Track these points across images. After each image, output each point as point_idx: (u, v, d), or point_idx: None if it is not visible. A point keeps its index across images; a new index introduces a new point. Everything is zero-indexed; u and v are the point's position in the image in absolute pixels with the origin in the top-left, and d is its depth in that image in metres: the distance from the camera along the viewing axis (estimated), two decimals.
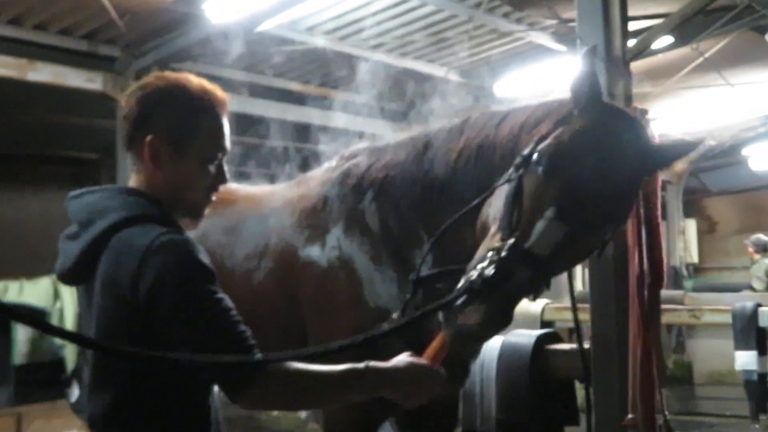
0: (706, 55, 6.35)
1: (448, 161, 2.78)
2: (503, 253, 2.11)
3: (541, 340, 3.65)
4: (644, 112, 3.30)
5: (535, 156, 2.27)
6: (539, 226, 2.16)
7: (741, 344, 5.32)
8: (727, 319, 5.41)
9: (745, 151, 11.89)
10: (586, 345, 3.60)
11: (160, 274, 1.80)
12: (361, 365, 1.95)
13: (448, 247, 2.63)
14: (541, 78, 7.69)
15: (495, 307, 2.06)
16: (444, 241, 2.62)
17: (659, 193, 3.36)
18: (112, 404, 1.92)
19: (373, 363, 1.97)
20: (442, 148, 2.83)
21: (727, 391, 9.30)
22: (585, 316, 3.67)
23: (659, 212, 3.32)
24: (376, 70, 7.35)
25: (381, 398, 2.07)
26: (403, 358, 2.03)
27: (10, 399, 6.79)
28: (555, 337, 3.79)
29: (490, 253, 2.14)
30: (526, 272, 2.10)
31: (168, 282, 1.80)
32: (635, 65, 3.86)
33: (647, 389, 3.15)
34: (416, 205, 2.85)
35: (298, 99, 7.84)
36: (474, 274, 2.09)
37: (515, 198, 2.26)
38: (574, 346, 3.59)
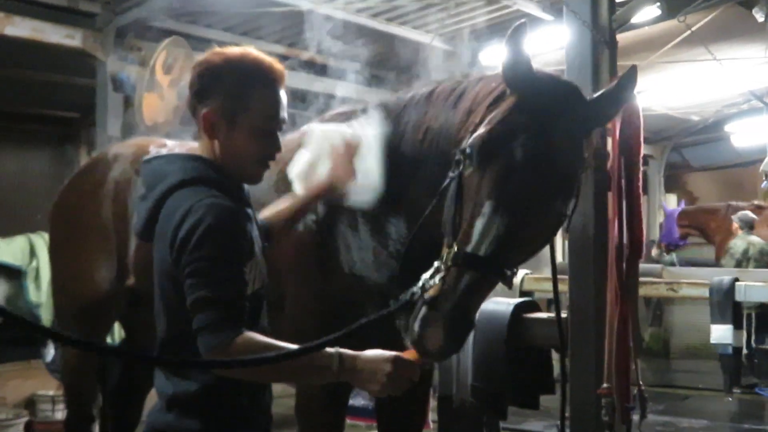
0: (693, 28, 6.30)
1: (415, 139, 2.75)
2: (448, 262, 2.08)
3: (519, 309, 3.64)
4: None
5: (467, 150, 2.20)
6: (479, 225, 2.10)
7: (717, 318, 5.37)
8: (705, 293, 5.45)
9: (728, 128, 11.92)
10: (564, 314, 3.60)
11: (190, 230, 2.01)
12: (332, 350, 2.00)
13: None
14: (528, 47, 7.63)
15: (451, 317, 2.02)
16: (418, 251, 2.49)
17: (640, 165, 3.35)
18: (164, 337, 2.18)
19: (344, 350, 2.02)
20: (410, 123, 2.79)
21: (702, 365, 9.42)
22: (564, 287, 3.67)
23: (640, 183, 3.31)
24: (361, 35, 7.29)
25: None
26: (376, 351, 2.05)
27: None
28: (533, 306, 3.79)
29: (436, 263, 2.11)
30: (473, 276, 2.05)
31: (193, 238, 2.00)
32: (622, 37, 3.82)
33: (623, 359, 3.16)
34: (391, 175, 2.82)
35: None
36: (417, 286, 2.08)
37: (457, 199, 2.20)
38: (552, 315, 3.59)
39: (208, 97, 2.19)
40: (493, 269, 2.09)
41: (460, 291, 2.04)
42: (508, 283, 2.17)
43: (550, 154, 2.11)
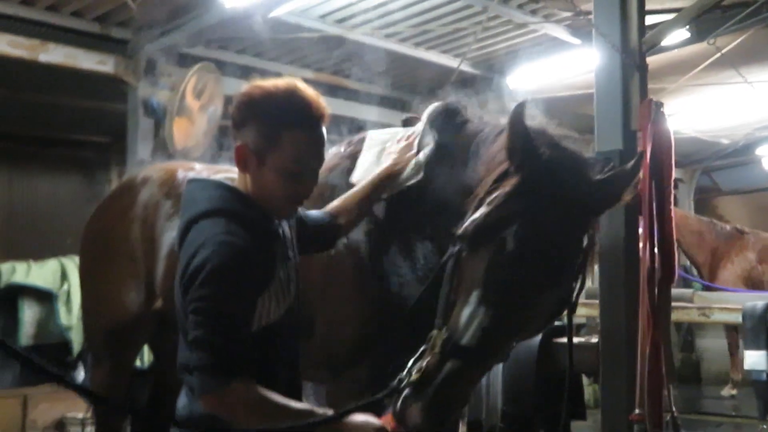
0: (724, 51, 6.27)
1: (434, 174, 2.77)
2: (436, 349, 2.07)
3: (548, 334, 3.61)
4: (659, 104, 3.26)
5: (463, 233, 2.17)
6: (465, 313, 2.07)
7: (750, 344, 5.27)
8: (738, 318, 5.37)
9: (759, 151, 11.78)
10: (595, 339, 3.56)
11: (198, 267, 2.03)
12: (320, 412, 2.03)
13: None
14: (555, 71, 7.65)
15: (430, 402, 2.02)
16: None
17: (672, 188, 3.31)
18: (181, 360, 2.19)
19: (331, 413, 2.04)
20: (433, 157, 2.82)
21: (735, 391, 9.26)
22: (595, 312, 3.64)
23: (671, 207, 3.28)
24: (389, 60, 7.33)
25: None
26: (363, 418, 2.06)
27: (16, 380, 6.80)
28: (563, 331, 3.75)
29: (423, 346, 2.11)
30: (455, 365, 2.03)
31: (200, 276, 2.02)
32: (651, 60, 3.81)
33: (655, 385, 3.12)
34: (420, 200, 2.82)
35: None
36: (404, 371, 2.09)
37: (451, 281, 2.18)
38: (582, 339, 3.56)
39: (243, 130, 2.16)
40: (476, 359, 2.07)
41: (442, 377, 2.03)
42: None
43: (543, 246, 2.05)
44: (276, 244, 2.23)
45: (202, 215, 2.15)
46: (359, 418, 2.06)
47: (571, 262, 2.12)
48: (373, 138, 3.08)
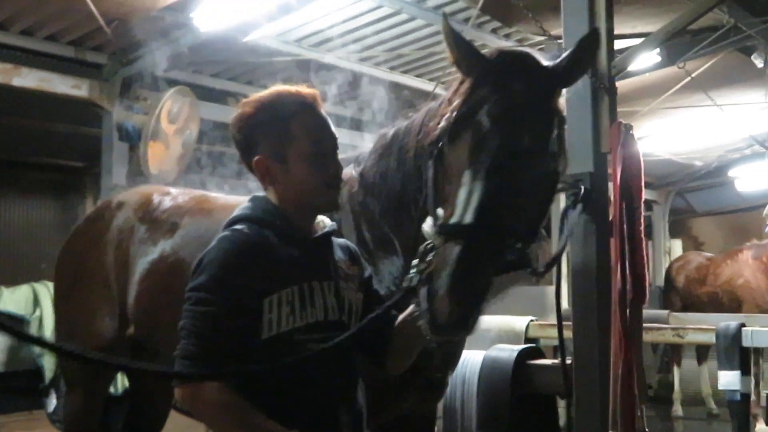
0: (694, 75, 6.37)
1: (397, 170, 2.79)
2: (436, 239, 2.07)
3: (523, 355, 3.62)
4: (629, 127, 3.29)
5: (438, 137, 2.25)
6: (461, 194, 2.08)
7: (724, 364, 5.30)
8: (711, 338, 5.39)
9: (731, 173, 11.93)
10: (569, 361, 3.57)
11: (198, 261, 2.14)
12: None
13: None
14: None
15: (450, 285, 1.97)
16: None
17: (642, 209, 3.35)
18: None
19: None
20: (393, 157, 2.83)
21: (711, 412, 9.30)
22: (569, 333, 3.65)
23: (642, 228, 3.31)
24: (364, 84, 7.36)
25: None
26: None
27: None
28: (537, 352, 3.76)
29: (421, 247, 2.13)
30: (463, 244, 2.00)
31: (198, 268, 2.12)
32: (623, 84, 3.86)
33: (628, 405, 3.13)
34: (386, 214, 2.83)
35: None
36: (412, 272, 2.11)
37: (435, 183, 2.24)
38: (556, 361, 3.57)
39: (254, 146, 2.24)
40: (481, 236, 2.02)
41: (453, 260, 1.98)
42: (526, 262, 2.13)
43: (515, 112, 2.12)
44: (305, 255, 2.23)
45: (230, 223, 2.25)
46: None
47: (546, 128, 2.18)
48: None
